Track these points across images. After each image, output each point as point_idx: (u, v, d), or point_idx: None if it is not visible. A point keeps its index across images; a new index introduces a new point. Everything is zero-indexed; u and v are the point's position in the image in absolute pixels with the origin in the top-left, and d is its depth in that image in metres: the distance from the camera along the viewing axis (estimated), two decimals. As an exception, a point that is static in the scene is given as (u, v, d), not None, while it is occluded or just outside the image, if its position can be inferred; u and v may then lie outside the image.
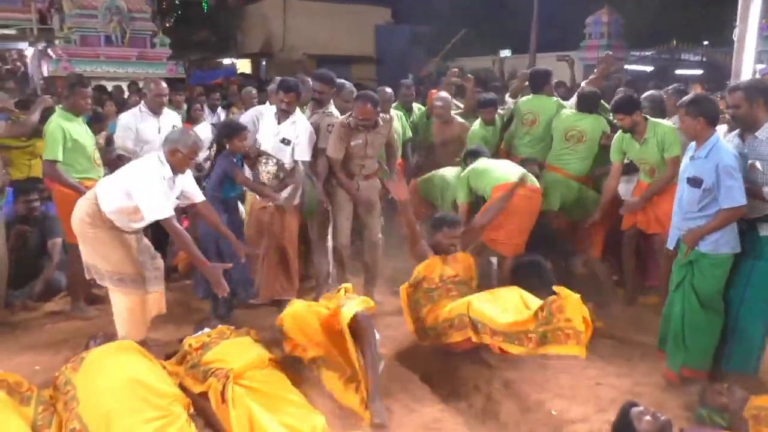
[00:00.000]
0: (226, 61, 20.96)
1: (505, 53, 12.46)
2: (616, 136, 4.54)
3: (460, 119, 5.67)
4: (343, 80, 5.35)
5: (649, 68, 17.81)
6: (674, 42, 15.81)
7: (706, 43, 16.43)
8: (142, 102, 4.95)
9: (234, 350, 3.47)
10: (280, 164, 4.46)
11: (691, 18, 17.01)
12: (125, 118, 4.86)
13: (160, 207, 3.57)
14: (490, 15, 20.67)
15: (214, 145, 4.92)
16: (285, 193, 4.51)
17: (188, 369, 3.47)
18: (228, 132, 4.37)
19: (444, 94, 5.67)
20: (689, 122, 3.36)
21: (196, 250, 3.69)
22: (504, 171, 4.54)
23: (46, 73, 11.89)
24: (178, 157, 3.64)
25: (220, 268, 3.72)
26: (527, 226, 4.52)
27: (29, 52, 12.19)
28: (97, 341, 3.61)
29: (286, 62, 19.60)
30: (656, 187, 4.28)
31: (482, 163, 4.70)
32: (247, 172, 4.54)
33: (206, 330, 3.82)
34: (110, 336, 3.67)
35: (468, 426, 3.16)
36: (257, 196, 4.51)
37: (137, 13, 11.38)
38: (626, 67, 15.79)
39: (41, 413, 3.01)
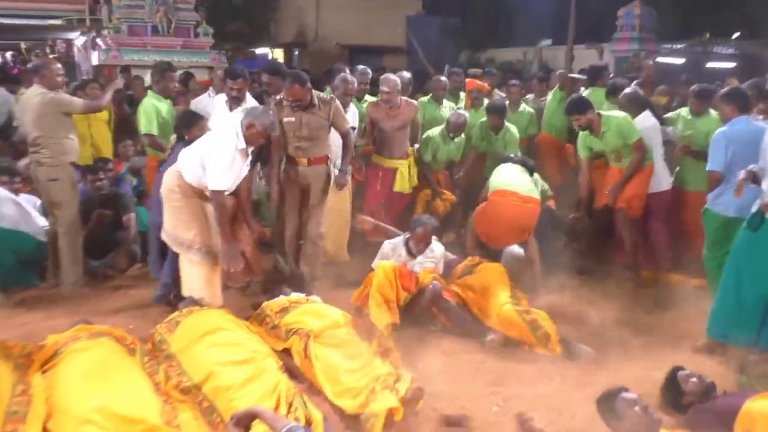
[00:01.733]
0: (260, 51, 21.30)
1: (546, 43, 12.57)
2: (580, 134, 4.99)
3: (409, 101, 5.58)
4: (364, 66, 5.89)
5: (680, 61, 17.78)
6: (707, 35, 15.77)
7: (736, 35, 16.36)
8: (210, 89, 5.29)
9: (312, 314, 3.82)
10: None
11: (723, 11, 16.93)
12: (199, 104, 5.21)
13: (220, 179, 3.92)
14: (521, 6, 20.72)
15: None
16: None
17: (269, 329, 3.83)
18: (186, 122, 4.38)
19: (393, 76, 5.40)
20: (725, 109, 4.01)
21: (227, 228, 3.99)
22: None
23: (94, 62, 12.34)
24: (253, 131, 3.96)
25: (238, 247, 4.05)
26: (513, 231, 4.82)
27: (79, 41, 12.62)
28: (185, 304, 4.00)
29: (319, 52, 19.93)
30: (632, 170, 4.76)
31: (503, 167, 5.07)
32: None
33: (282, 297, 4.20)
34: (197, 300, 4.05)
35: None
36: None
37: (181, 4, 11.75)
38: (658, 60, 15.82)
39: (147, 362, 3.38)
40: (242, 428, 2.59)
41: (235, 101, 4.59)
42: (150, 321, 4.08)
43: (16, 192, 4.90)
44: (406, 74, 5.99)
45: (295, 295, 4.21)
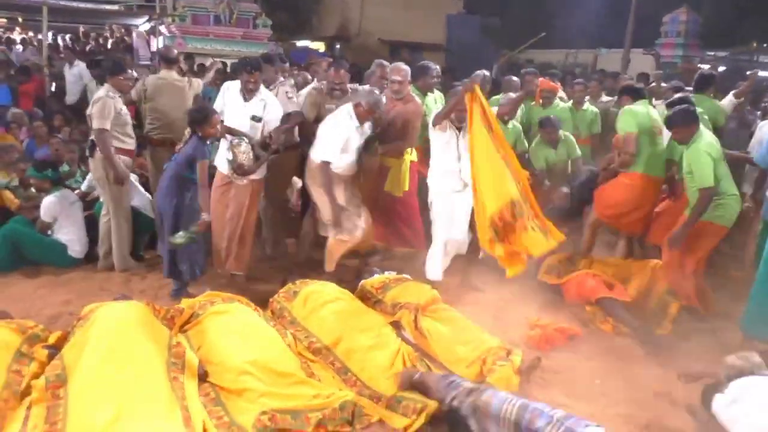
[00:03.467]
0: (301, 43, 21.67)
1: (604, 51, 12.75)
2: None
3: (415, 100, 5.13)
4: (427, 62, 5.64)
5: (721, 68, 17.80)
6: (754, 44, 15.82)
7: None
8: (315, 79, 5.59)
9: (413, 290, 4.14)
10: (253, 143, 4.53)
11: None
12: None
13: (327, 151, 4.48)
14: (561, 8, 20.83)
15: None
16: (261, 173, 4.64)
17: (373, 304, 4.15)
18: (199, 118, 4.26)
19: (404, 65, 5.16)
20: None
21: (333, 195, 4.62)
22: None
23: (153, 49, 12.76)
24: (360, 110, 4.46)
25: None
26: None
27: (143, 28, 13.03)
28: (293, 278, 4.36)
29: (361, 47, 20.24)
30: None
31: None
32: (223, 148, 4.62)
33: (376, 275, 4.53)
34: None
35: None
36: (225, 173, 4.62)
37: (243, -5, 12.13)
38: (701, 66, 15.90)
39: (275, 327, 3.72)
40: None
41: (249, 92, 4.62)
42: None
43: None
44: (434, 67, 5.61)
45: (389, 273, 4.54)
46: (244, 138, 4.50)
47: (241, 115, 4.59)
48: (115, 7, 15.00)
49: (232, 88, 4.71)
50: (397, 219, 5.10)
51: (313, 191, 4.69)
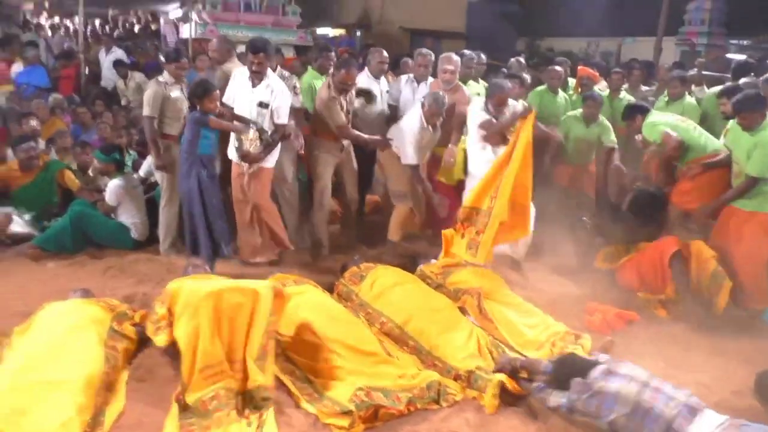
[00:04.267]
0: (321, 30, 21.67)
1: (629, 40, 12.72)
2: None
3: (461, 87, 5.41)
4: (464, 50, 5.89)
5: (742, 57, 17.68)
6: (779, 32, 15.73)
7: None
8: (366, 68, 5.67)
9: (473, 275, 4.25)
10: (260, 129, 4.53)
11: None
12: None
13: (410, 155, 4.73)
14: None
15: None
16: (272, 159, 4.67)
17: (434, 288, 4.26)
18: (199, 92, 4.33)
19: (455, 57, 5.33)
20: None
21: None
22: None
23: (184, 36, 12.85)
24: (425, 110, 4.71)
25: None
26: None
27: (174, 14, 13.13)
28: (357, 260, 4.48)
29: (382, 34, 20.22)
30: None
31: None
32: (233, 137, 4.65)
33: (432, 261, 4.64)
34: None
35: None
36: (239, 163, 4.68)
37: (273, -16, 12.21)
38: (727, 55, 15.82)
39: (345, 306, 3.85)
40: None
41: (256, 76, 4.53)
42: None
43: None
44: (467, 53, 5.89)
45: (444, 259, 4.66)
46: (253, 125, 4.51)
47: (248, 102, 4.58)
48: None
49: (240, 74, 4.69)
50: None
51: (387, 162, 5.00)
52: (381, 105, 5.52)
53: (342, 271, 4.39)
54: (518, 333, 3.66)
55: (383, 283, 3.94)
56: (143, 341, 3.39)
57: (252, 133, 4.46)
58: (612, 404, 2.66)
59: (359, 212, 5.91)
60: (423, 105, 4.75)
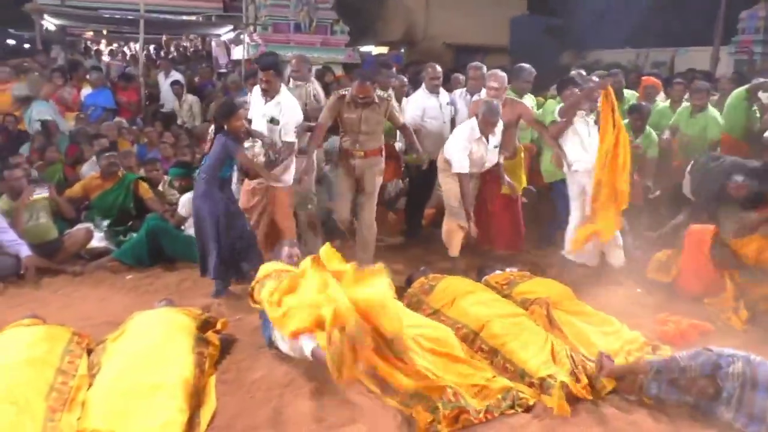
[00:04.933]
0: (365, 48, 22.02)
1: (682, 51, 12.54)
2: None
3: (518, 100, 5.43)
4: (521, 64, 5.87)
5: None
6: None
7: None
8: (423, 85, 5.78)
9: (540, 286, 4.26)
10: (268, 144, 4.53)
11: None
12: (415, 99, 5.74)
13: (458, 162, 4.78)
14: (627, 7, 20.50)
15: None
16: (288, 176, 4.67)
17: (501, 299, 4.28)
18: (225, 112, 4.30)
19: (501, 73, 5.31)
20: None
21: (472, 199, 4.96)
22: None
23: (235, 57, 13.26)
24: (479, 119, 4.79)
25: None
26: None
27: (226, 36, 13.56)
28: (423, 271, 4.55)
29: (426, 51, 20.41)
30: None
31: None
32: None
33: (498, 271, 4.67)
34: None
35: None
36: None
37: (321, 4, 12.52)
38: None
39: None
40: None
41: (266, 93, 4.55)
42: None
43: None
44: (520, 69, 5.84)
45: (510, 270, 4.68)
46: (261, 140, 4.52)
47: (259, 117, 4.63)
48: (192, 18, 15.69)
49: (256, 91, 4.74)
50: (504, 221, 5.31)
51: (443, 181, 5.04)
52: (442, 119, 5.62)
53: (408, 283, 4.46)
54: (590, 343, 3.64)
55: (455, 291, 3.99)
56: (225, 348, 3.53)
57: (257, 149, 4.50)
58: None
59: (418, 225, 6.00)
60: (477, 115, 4.78)
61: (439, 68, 5.74)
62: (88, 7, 12.87)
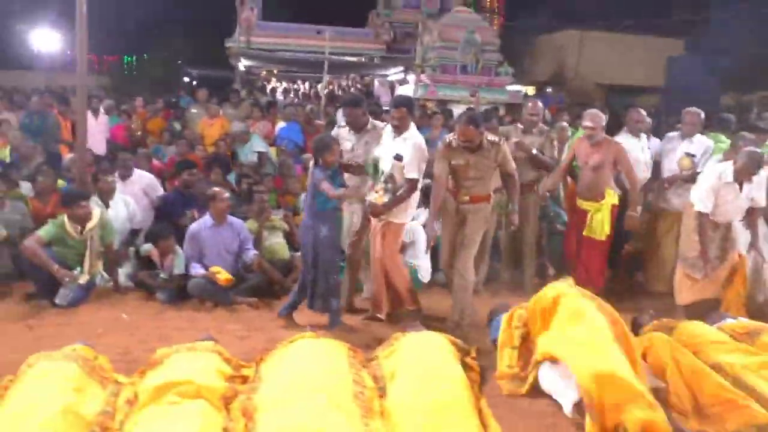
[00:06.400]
0: (511, 87, 22.22)
1: None
2: None
3: (611, 139, 5.23)
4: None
5: None
6: None
7: None
8: (625, 128, 5.75)
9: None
10: (388, 180, 4.41)
11: None
12: None
13: (699, 200, 4.70)
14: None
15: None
16: (403, 215, 4.51)
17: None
18: (320, 147, 4.35)
19: (599, 113, 5.24)
20: None
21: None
22: None
23: (390, 96, 13.94)
24: (737, 165, 4.66)
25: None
26: None
27: (395, 77, 14.35)
28: (653, 314, 4.52)
29: (576, 90, 20.28)
30: None
31: None
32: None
33: (729, 320, 4.51)
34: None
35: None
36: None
37: (488, 46, 12.91)
38: None
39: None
40: None
41: (396, 130, 4.49)
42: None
43: None
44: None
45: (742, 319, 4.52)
46: (383, 177, 4.44)
47: (386, 153, 4.52)
48: (353, 59, 16.75)
49: (386, 130, 4.66)
50: (581, 261, 5.26)
51: (684, 223, 4.92)
52: (643, 161, 5.56)
53: (636, 327, 4.45)
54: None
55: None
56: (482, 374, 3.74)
57: (378, 185, 4.44)
58: None
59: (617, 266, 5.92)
60: (736, 161, 4.63)
61: (643, 111, 5.72)
62: (271, 50, 14.21)
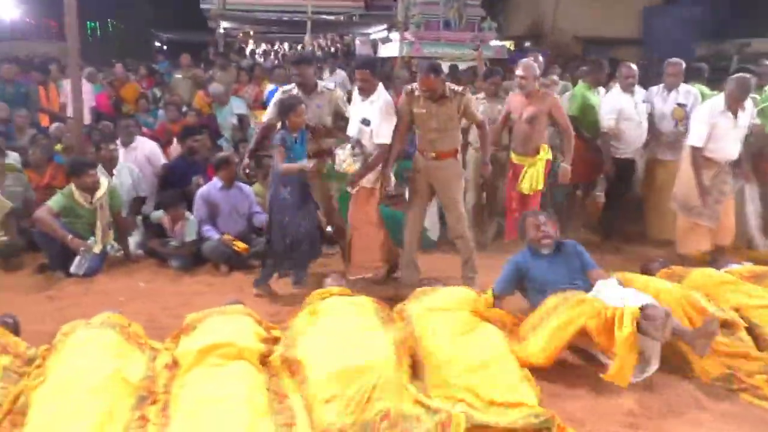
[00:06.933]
0: (494, 43, 22.07)
1: None
2: None
3: (546, 92, 5.09)
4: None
5: None
6: None
7: None
8: (618, 84, 5.69)
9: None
10: (356, 145, 4.26)
11: None
12: (609, 100, 5.64)
13: (695, 133, 4.76)
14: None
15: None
16: (368, 179, 4.35)
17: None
18: (284, 108, 4.20)
19: (529, 61, 5.06)
20: None
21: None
22: None
23: (383, 54, 13.75)
24: (726, 93, 4.75)
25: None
26: None
27: (378, 35, 14.10)
28: (662, 262, 4.63)
29: (553, 44, 20.15)
30: None
31: None
32: None
33: (733, 266, 4.65)
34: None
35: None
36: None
37: (471, 0, 12.75)
38: None
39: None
40: None
41: (362, 93, 4.34)
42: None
43: None
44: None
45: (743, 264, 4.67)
46: (351, 142, 4.30)
47: (353, 117, 4.40)
48: (331, 18, 16.40)
49: (355, 93, 4.53)
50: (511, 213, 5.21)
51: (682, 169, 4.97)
52: (638, 119, 5.53)
53: (645, 272, 4.57)
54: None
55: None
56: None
57: (343, 153, 4.25)
58: None
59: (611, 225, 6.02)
60: (725, 88, 4.66)
61: (634, 66, 5.60)
62: (248, 10, 13.84)
